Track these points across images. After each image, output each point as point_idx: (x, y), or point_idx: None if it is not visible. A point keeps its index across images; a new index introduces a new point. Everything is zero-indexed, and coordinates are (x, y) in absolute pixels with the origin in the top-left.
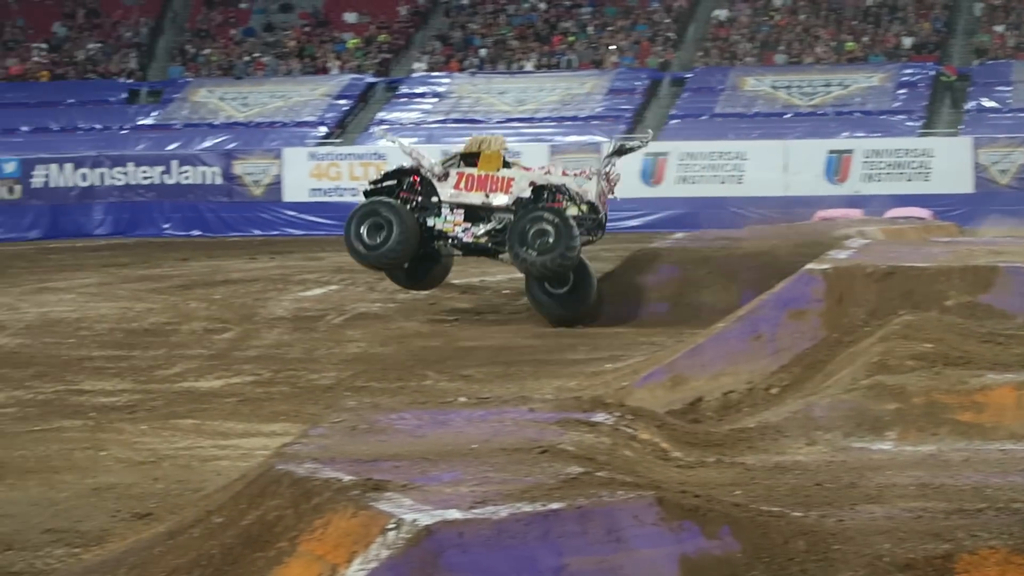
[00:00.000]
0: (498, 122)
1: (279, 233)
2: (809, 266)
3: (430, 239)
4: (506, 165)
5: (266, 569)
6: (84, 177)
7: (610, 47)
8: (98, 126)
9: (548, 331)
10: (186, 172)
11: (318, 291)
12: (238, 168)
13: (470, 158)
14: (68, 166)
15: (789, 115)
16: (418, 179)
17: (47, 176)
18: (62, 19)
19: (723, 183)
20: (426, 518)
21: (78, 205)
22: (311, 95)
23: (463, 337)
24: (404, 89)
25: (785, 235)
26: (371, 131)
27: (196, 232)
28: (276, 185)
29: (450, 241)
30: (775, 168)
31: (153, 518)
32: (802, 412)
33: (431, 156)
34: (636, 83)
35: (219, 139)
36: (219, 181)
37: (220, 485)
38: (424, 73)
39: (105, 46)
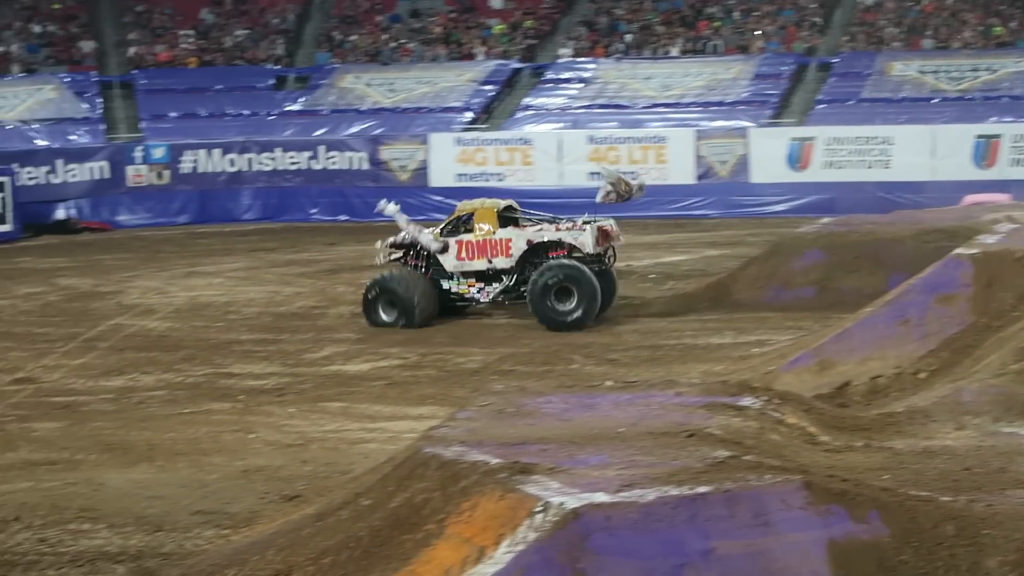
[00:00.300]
0: (643, 107)
1: (425, 218)
2: (958, 251)
3: (450, 299)
4: (510, 222)
5: (414, 551)
6: (232, 163)
7: (756, 32)
8: (246, 112)
9: (694, 316)
10: (333, 157)
11: None
12: (385, 153)
13: (466, 221)
14: (216, 152)
15: (936, 100)
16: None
17: (196, 162)
18: (210, 6)
19: (870, 168)
20: (573, 501)
21: (226, 190)
22: (457, 81)
23: (609, 321)
24: (549, 75)
25: (933, 220)
26: (517, 116)
27: (343, 217)
28: (422, 170)
29: (472, 303)
30: (922, 153)
31: (302, 500)
32: (951, 397)
33: (427, 233)
34: (782, 68)
35: (366, 125)
36: (366, 166)
37: (368, 467)
38: (570, 59)
39: (253, 32)
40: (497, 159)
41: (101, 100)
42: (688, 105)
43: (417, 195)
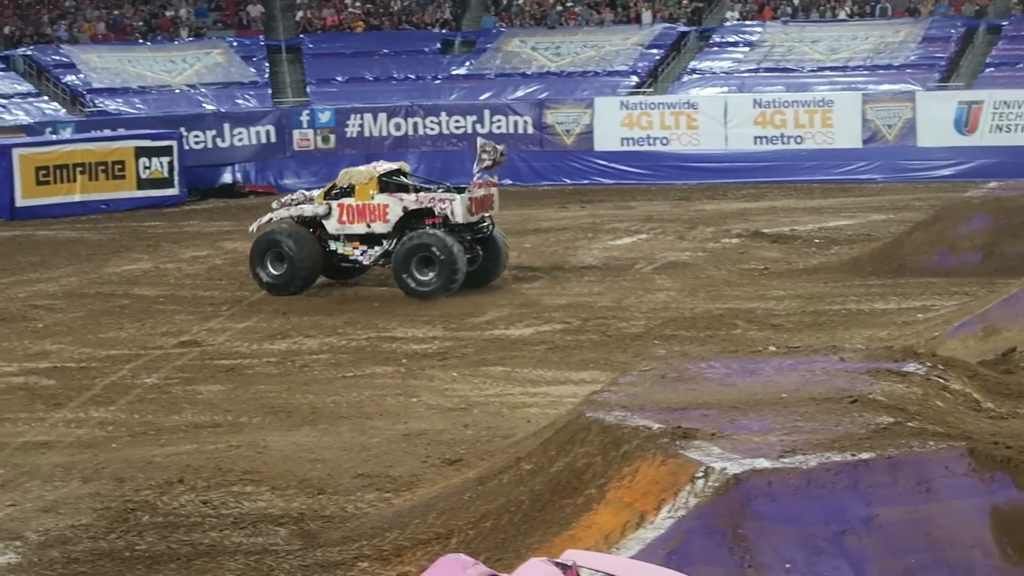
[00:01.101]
0: (810, 71)
1: (589, 182)
2: None
3: (336, 260)
4: (399, 187)
5: (575, 516)
6: (398, 127)
7: None
8: (412, 76)
9: (859, 281)
10: (498, 121)
11: (628, 240)
12: (550, 117)
13: (348, 189)
14: (382, 116)
15: None
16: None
17: (361, 126)
18: None
19: None
20: (735, 467)
21: (391, 154)
22: (623, 44)
23: (772, 286)
24: (716, 38)
25: None
26: (683, 80)
27: (507, 181)
28: (587, 134)
29: (354, 264)
30: None
31: (463, 464)
32: None
33: (309, 203)
34: (951, 31)
35: (531, 89)
36: (531, 130)
37: (529, 432)
38: (737, 22)
39: None
40: (662, 123)
41: (268, 64)
42: (855, 68)
43: (581, 159)
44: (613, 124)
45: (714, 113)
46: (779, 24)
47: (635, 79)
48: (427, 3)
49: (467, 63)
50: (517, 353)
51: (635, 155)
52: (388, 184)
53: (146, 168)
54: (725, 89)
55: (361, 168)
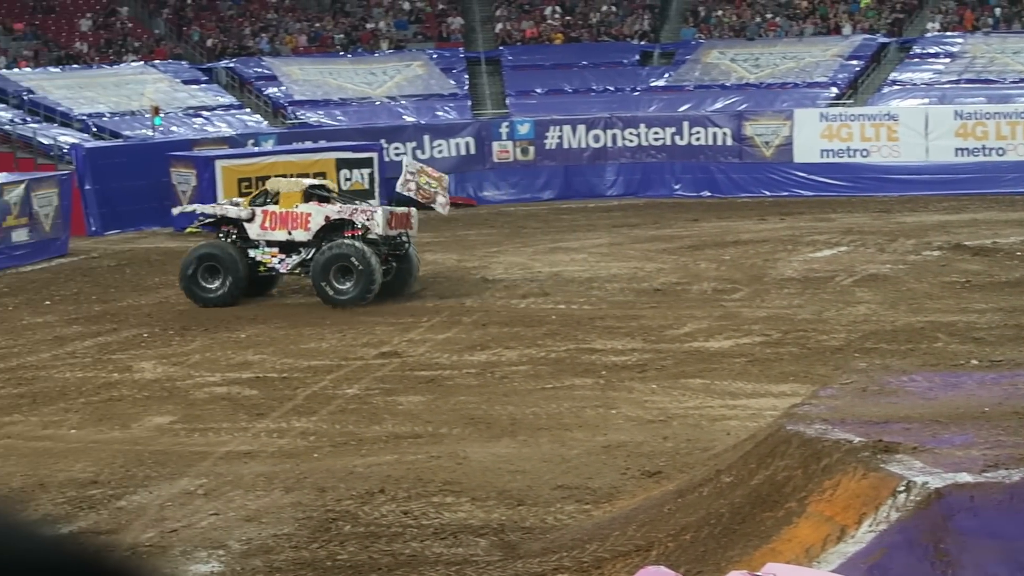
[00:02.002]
0: (1012, 82)
1: (789, 194)
2: None
3: (255, 269)
4: (316, 199)
5: (775, 529)
6: (596, 139)
7: None
8: (611, 88)
9: None
10: (697, 133)
11: (827, 252)
12: (749, 129)
13: (274, 197)
14: (581, 127)
15: None
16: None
17: (560, 137)
18: None
19: None
20: (937, 481)
21: (590, 166)
22: (822, 56)
23: (974, 299)
24: (916, 49)
25: None
26: (883, 91)
27: (706, 193)
28: (787, 146)
29: (271, 272)
30: None
31: (662, 476)
32: None
33: (234, 207)
34: None
35: (730, 100)
36: (729, 142)
37: (729, 444)
38: (937, 33)
39: (619, 8)
40: (862, 135)
41: (467, 76)
42: None
43: (781, 171)
44: (813, 136)
45: (915, 125)
46: (981, 35)
47: (835, 90)
48: (626, 15)
49: (666, 75)
50: (716, 365)
51: (835, 167)
52: (313, 195)
53: (347, 180)
54: (926, 100)
55: (288, 179)
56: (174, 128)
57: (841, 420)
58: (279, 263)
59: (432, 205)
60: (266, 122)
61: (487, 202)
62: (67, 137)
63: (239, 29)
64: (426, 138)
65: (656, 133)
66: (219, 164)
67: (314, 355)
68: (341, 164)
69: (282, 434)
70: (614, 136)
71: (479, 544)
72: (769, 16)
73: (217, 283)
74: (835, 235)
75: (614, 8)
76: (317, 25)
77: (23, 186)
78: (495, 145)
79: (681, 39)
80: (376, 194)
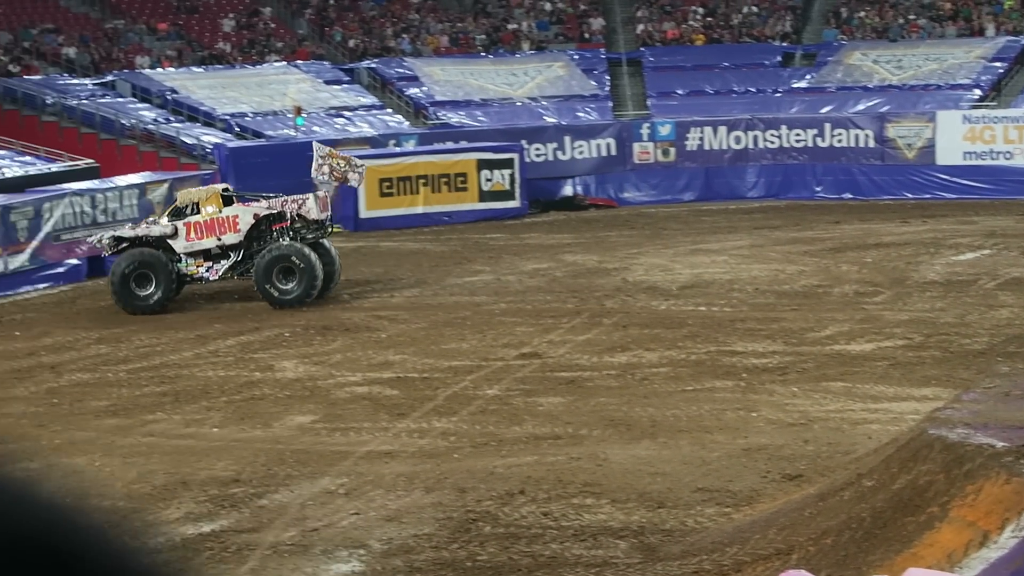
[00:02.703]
0: None
1: (931, 196)
2: None
3: (182, 282)
4: (228, 201)
5: (916, 534)
6: (738, 140)
7: None
8: (752, 89)
9: None
10: (839, 135)
11: (970, 255)
12: (891, 131)
13: (193, 208)
14: (722, 129)
15: None
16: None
17: (701, 139)
18: None
19: None
20: None
21: (731, 167)
22: (965, 57)
23: None
24: None
25: None
26: None
27: (847, 195)
28: (929, 148)
29: (201, 281)
30: None
31: (803, 479)
32: None
33: (156, 224)
34: None
35: (872, 102)
36: (872, 144)
37: (871, 448)
38: None
39: (761, 9)
40: (1005, 137)
41: (608, 77)
42: None
43: (923, 173)
44: (955, 138)
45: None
46: None
47: (978, 92)
48: (768, 16)
49: (808, 76)
50: (858, 369)
51: (978, 169)
52: (226, 198)
53: (488, 180)
54: None
55: (198, 188)
56: (316, 128)
57: (984, 424)
58: (207, 271)
59: (348, 183)
60: (407, 122)
61: (627, 203)
62: (210, 137)
63: (381, 30)
64: (567, 139)
65: (798, 135)
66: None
67: (455, 355)
68: (482, 165)
69: (423, 434)
70: (755, 138)
71: (619, 546)
72: (912, 17)
73: (148, 291)
74: (978, 238)
75: (756, 9)
76: (459, 26)
77: (166, 185)
78: (636, 146)
79: (823, 40)
80: (517, 195)
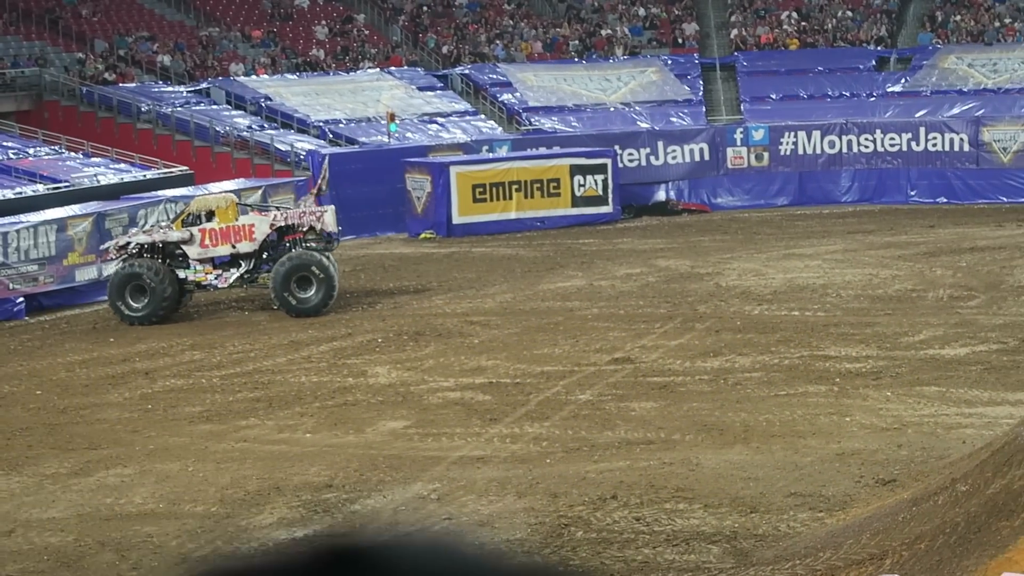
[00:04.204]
0: None
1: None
2: None
3: (184, 289)
4: (251, 209)
5: (1011, 538)
6: (831, 144)
7: None
8: (846, 93)
9: None
10: (933, 139)
11: None
12: (986, 135)
13: (208, 215)
14: (815, 133)
15: None
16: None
17: (795, 143)
18: None
19: None
20: None
21: (825, 172)
22: None
23: None
24: None
25: None
26: None
27: (942, 199)
28: None
29: (208, 289)
30: None
31: (897, 484)
32: None
33: (172, 230)
34: None
35: (967, 106)
36: (966, 148)
37: (965, 453)
38: None
39: (855, 13)
40: None
41: (702, 82)
42: None
43: (1019, 177)
44: None
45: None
46: None
47: None
48: (863, 20)
49: (902, 80)
50: (952, 373)
51: None
52: (246, 206)
53: (581, 186)
54: None
55: (214, 195)
56: (409, 134)
57: None
58: (216, 279)
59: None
60: (500, 128)
61: (720, 208)
62: (303, 143)
63: (475, 36)
64: (660, 144)
65: (892, 139)
66: (454, 170)
67: (547, 361)
68: (575, 170)
69: (515, 439)
70: (849, 142)
71: (711, 551)
72: (1008, 21)
73: (143, 303)
74: None
75: (851, 13)
76: (553, 31)
77: (260, 192)
78: (729, 151)
79: (918, 44)
80: (610, 200)
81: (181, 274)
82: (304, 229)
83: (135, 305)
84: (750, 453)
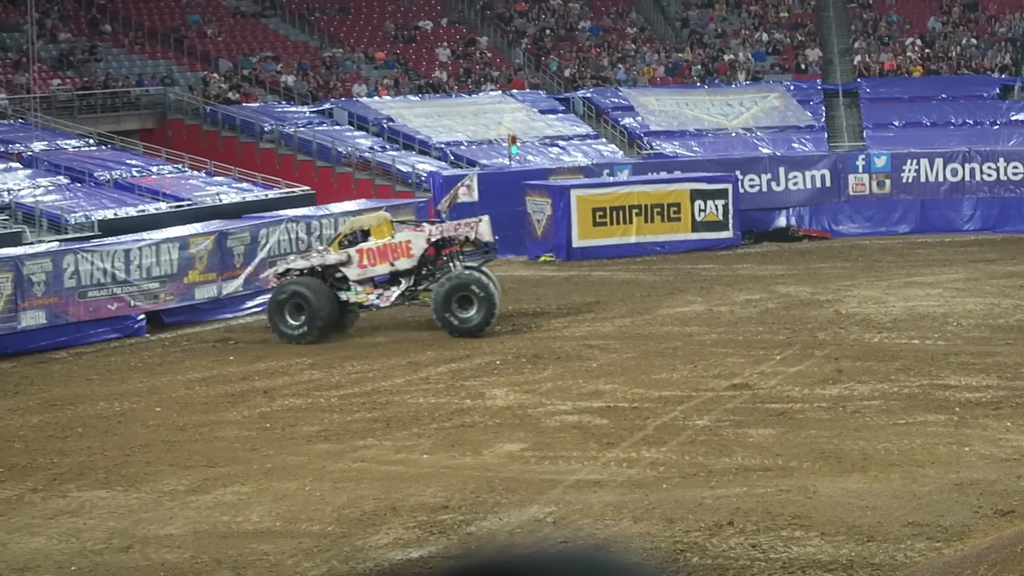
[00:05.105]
0: None
1: None
2: None
3: (347, 310)
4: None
5: None
6: (954, 172)
7: None
8: (969, 121)
9: None
10: None
11: None
12: None
13: (362, 234)
14: (938, 161)
15: None
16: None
17: (917, 171)
18: (938, 14)
19: None
20: None
21: (947, 200)
22: None
23: None
24: None
25: None
26: None
27: None
28: None
29: (371, 309)
30: None
31: (1015, 515)
32: None
33: (329, 253)
34: None
35: None
36: None
37: None
38: None
39: (980, 41)
40: None
41: (824, 108)
42: None
43: None
44: None
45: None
46: None
47: None
48: (987, 48)
49: None
50: None
51: None
52: (401, 223)
53: (701, 211)
54: None
55: (367, 215)
56: (530, 157)
57: None
58: (377, 298)
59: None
60: (621, 152)
61: (841, 235)
62: (425, 165)
63: (597, 59)
64: (781, 170)
65: (1015, 167)
66: (574, 193)
67: (665, 385)
68: (696, 195)
69: (632, 464)
70: (972, 170)
71: None
72: None
73: (299, 322)
74: None
75: (975, 41)
76: (675, 56)
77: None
78: (851, 178)
79: None
80: (730, 225)
81: (343, 296)
82: (461, 241)
83: (293, 323)
84: (868, 482)
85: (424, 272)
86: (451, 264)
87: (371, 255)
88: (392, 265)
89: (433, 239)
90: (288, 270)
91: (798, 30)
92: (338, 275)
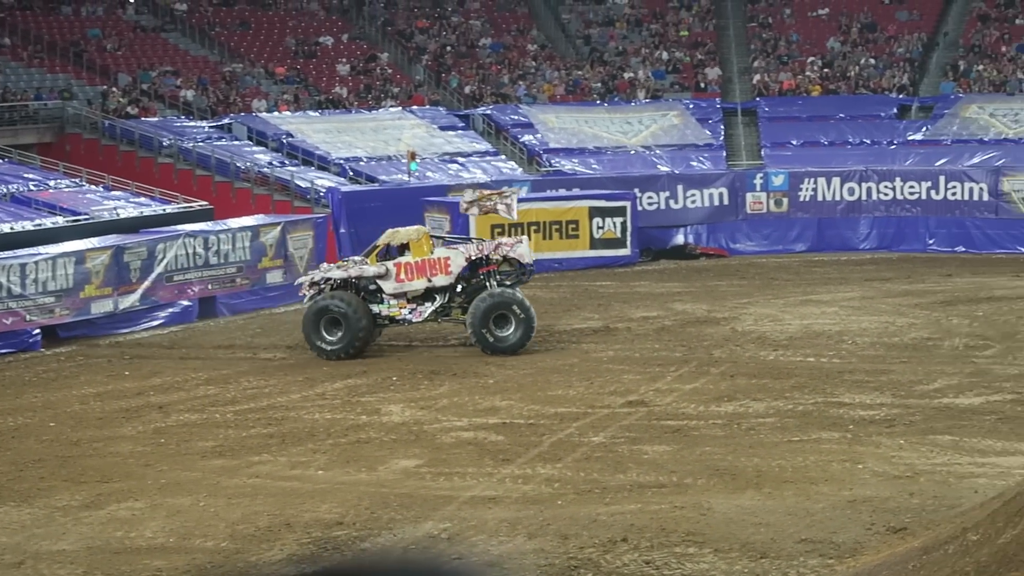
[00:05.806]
0: None
1: None
2: None
3: (379, 323)
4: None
5: None
6: (851, 191)
7: None
8: (867, 140)
9: None
10: (953, 188)
11: None
12: (1006, 185)
13: (401, 248)
14: (835, 180)
15: None
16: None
17: (814, 189)
18: (837, 34)
19: None
20: None
21: (844, 218)
22: None
23: None
24: None
25: None
26: None
27: (960, 248)
28: None
29: (401, 323)
30: None
31: (907, 532)
32: None
33: (367, 265)
34: None
35: (988, 155)
36: (986, 197)
37: (976, 503)
38: None
39: (878, 61)
40: None
41: (723, 127)
42: None
43: None
44: None
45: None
46: None
47: None
48: (886, 68)
49: (923, 128)
50: (966, 422)
51: None
52: (439, 238)
53: (599, 228)
54: None
55: (406, 228)
56: (429, 173)
57: None
58: (410, 313)
59: (498, 213)
60: (520, 169)
61: (739, 253)
62: (324, 180)
63: (497, 76)
64: (679, 188)
65: (912, 187)
66: None
67: (561, 402)
68: (594, 212)
69: (527, 480)
70: (869, 189)
71: None
72: None
73: (336, 337)
74: None
75: (873, 61)
76: (575, 74)
77: (279, 228)
78: (748, 196)
79: (940, 93)
80: (628, 243)
81: (375, 308)
82: (498, 260)
83: (330, 338)
84: (761, 498)
85: (459, 290)
86: (488, 283)
87: (409, 269)
88: (429, 281)
89: (472, 257)
90: (323, 280)
91: (698, 49)
92: (372, 287)
